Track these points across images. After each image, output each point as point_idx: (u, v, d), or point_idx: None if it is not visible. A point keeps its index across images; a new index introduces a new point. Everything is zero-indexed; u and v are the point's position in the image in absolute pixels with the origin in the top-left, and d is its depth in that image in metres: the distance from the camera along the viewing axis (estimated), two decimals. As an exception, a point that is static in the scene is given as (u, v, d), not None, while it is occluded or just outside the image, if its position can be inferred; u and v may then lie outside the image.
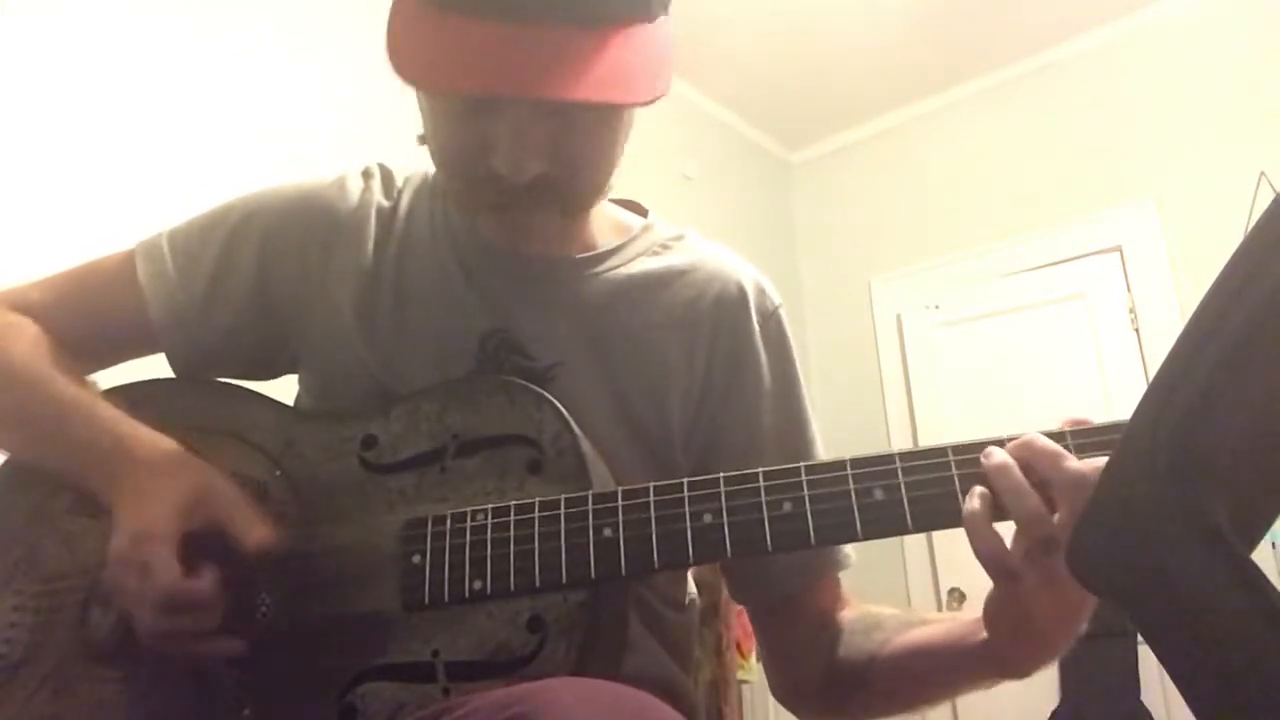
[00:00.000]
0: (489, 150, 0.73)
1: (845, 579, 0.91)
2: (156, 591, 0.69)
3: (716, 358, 0.88)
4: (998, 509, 0.63)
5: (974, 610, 0.72)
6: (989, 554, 0.63)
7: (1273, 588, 0.42)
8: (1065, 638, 0.68)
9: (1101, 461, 0.61)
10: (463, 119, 0.74)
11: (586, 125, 0.74)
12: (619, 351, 0.86)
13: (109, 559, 0.72)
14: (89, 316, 0.89)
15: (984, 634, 0.71)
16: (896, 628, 0.81)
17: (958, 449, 0.66)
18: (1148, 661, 2.75)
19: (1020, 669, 0.71)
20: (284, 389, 0.89)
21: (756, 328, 0.90)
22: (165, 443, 0.78)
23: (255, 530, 0.73)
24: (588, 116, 0.74)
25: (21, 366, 0.83)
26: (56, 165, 1.96)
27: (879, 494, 0.66)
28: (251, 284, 0.88)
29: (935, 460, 0.66)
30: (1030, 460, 0.63)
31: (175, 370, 0.90)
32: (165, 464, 0.76)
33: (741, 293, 0.91)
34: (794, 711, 0.91)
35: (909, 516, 0.65)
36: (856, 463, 0.67)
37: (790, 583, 0.87)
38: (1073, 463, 0.61)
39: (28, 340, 0.85)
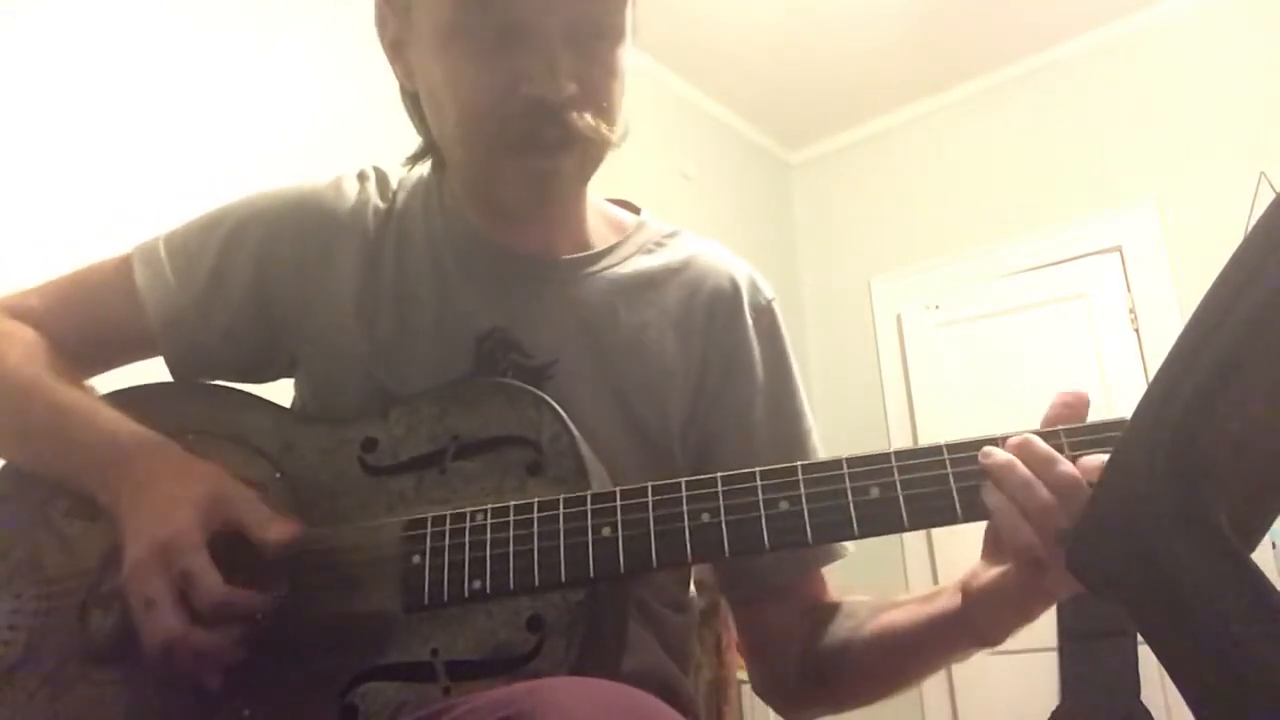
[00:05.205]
0: (520, 81, 0.76)
1: (846, 578, 0.91)
2: (207, 601, 0.68)
3: (711, 354, 0.88)
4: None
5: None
6: (1026, 544, 0.63)
7: (1273, 587, 0.42)
8: (1042, 609, 0.70)
9: (1094, 460, 0.62)
10: (491, 56, 0.76)
11: (602, 56, 0.79)
12: (617, 350, 0.86)
13: (126, 568, 0.70)
14: (87, 321, 0.90)
15: (957, 605, 0.72)
16: (869, 613, 0.83)
17: (953, 447, 0.66)
18: (1148, 661, 2.75)
19: (996, 638, 0.72)
20: (281, 393, 0.89)
21: (750, 322, 0.91)
22: (167, 445, 0.78)
23: (274, 525, 0.73)
24: (602, 48, 0.79)
25: (16, 372, 0.83)
26: (55, 167, 1.96)
27: (875, 492, 0.66)
28: (249, 286, 0.88)
29: (931, 459, 0.66)
30: (1026, 462, 0.64)
31: (173, 373, 0.90)
32: (171, 467, 0.76)
33: (735, 287, 0.91)
34: (775, 706, 0.91)
35: (905, 515, 0.66)
36: (853, 461, 0.68)
37: (784, 573, 0.88)
38: (1066, 466, 0.62)
39: (22, 346, 0.85)
